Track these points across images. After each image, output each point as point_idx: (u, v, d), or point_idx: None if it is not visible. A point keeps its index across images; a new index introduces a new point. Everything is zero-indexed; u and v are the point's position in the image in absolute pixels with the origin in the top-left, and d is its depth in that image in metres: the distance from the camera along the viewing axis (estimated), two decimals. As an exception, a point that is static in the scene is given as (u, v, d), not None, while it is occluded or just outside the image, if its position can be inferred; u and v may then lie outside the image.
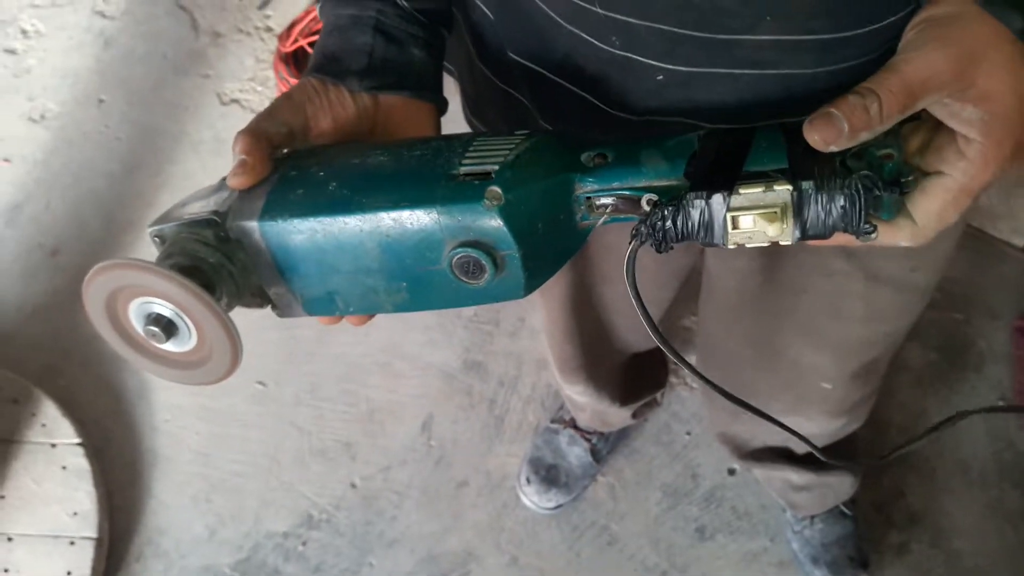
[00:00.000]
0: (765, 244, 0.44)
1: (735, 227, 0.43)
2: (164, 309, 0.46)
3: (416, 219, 0.45)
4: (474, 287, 0.46)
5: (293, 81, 1.81)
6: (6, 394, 1.54)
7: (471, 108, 0.73)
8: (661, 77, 0.51)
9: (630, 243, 0.46)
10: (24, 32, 2.03)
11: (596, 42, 0.52)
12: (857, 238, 0.43)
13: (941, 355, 1.45)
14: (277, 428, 1.56)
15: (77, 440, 1.50)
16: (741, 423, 1.15)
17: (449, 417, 1.53)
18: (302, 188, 0.48)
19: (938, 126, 0.43)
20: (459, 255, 0.45)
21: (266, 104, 1.90)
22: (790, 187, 0.42)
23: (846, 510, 1.29)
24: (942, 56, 0.40)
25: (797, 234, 0.43)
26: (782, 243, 0.44)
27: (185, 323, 0.46)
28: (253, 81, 1.94)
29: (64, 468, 1.48)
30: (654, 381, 1.37)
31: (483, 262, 0.45)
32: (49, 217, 1.79)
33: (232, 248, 0.48)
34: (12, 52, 2.01)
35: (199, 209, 0.48)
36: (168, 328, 0.47)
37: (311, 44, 1.86)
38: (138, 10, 2.08)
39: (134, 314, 0.47)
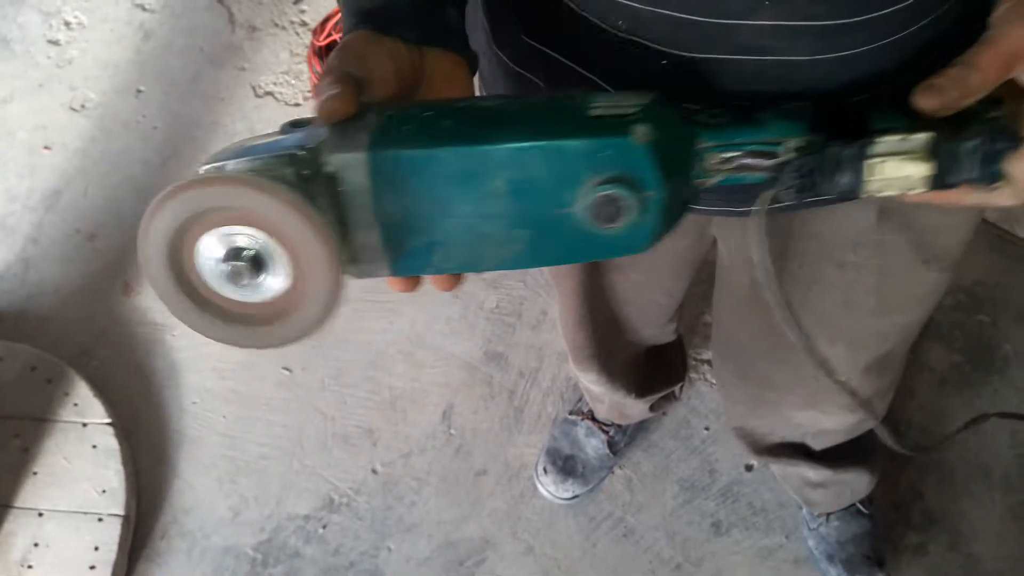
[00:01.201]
0: (897, 193, 0.45)
1: (873, 175, 0.44)
2: (251, 239, 0.41)
3: (559, 152, 0.42)
4: (601, 234, 0.43)
5: (325, 74, 1.84)
6: (41, 374, 1.59)
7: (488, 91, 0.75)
8: (665, 62, 0.52)
9: (765, 192, 0.46)
10: (67, 24, 2.09)
11: (604, 26, 0.53)
12: (986, 185, 0.45)
13: (965, 357, 1.44)
14: (302, 413, 1.59)
15: (108, 420, 1.54)
16: (758, 418, 1.15)
17: (469, 407, 1.55)
18: (410, 124, 0.44)
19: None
20: (603, 193, 0.42)
21: (299, 97, 1.92)
22: (927, 134, 0.43)
23: (863, 508, 1.29)
24: None
25: (932, 181, 0.44)
26: (914, 192, 0.45)
27: (274, 259, 0.41)
28: (287, 74, 1.98)
29: (94, 447, 1.52)
30: (672, 375, 1.38)
31: (627, 202, 0.42)
32: (87, 203, 1.84)
33: (317, 188, 0.42)
34: (56, 43, 2.06)
35: (270, 147, 0.43)
36: (255, 264, 0.41)
37: (344, 38, 1.89)
38: (177, 4, 2.12)
39: (206, 253, 0.42)
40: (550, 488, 1.43)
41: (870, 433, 1.15)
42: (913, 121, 0.44)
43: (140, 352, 1.66)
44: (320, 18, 1.96)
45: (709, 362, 1.47)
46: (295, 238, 0.40)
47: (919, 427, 1.40)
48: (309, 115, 0.47)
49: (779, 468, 1.26)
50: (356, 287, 1.73)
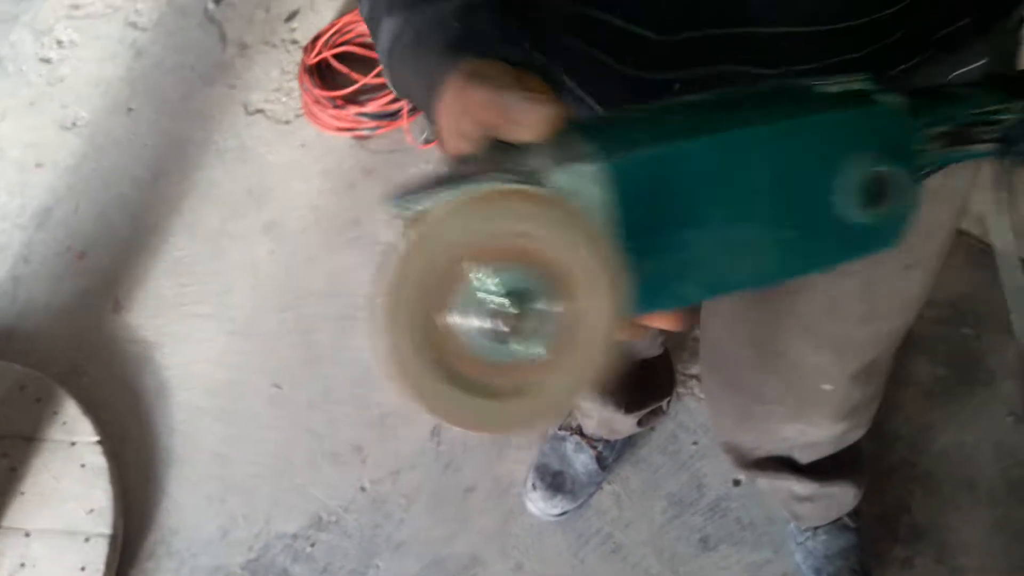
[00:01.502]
0: None
1: None
2: (523, 274, 0.34)
3: (823, 127, 0.38)
4: (863, 224, 0.39)
5: (317, 92, 1.86)
6: (30, 393, 1.59)
7: None
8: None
9: (999, 161, 0.45)
10: (59, 42, 2.10)
11: None
12: None
13: (950, 370, 1.45)
14: (291, 431, 1.59)
15: (96, 439, 1.54)
16: (746, 431, 1.16)
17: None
18: (634, 127, 0.39)
19: None
20: (874, 169, 0.39)
21: (290, 114, 1.92)
22: None
23: (850, 522, 1.29)
24: None
25: None
26: None
27: (548, 297, 0.34)
28: (278, 92, 1.99)
29: (83, 466, 1.52)
30: (660, 389, 1.38)
31: (895, 178, 0.39)
32: (77, 221, 1.84)
33: None
34: (47, 61, 2.07)
35: (474, 176, 0.36)
36: (527, 304, 0.34)
37: (335, 56, 1.91)
38: (170, 22, 2.14)
39: (466, 306, 0.34)
40: (539, 504, 1.43)
41: (856, 446, 1.16)
42: None
43: (130, 370, 1.66)
44: (311, 36, 1.97)
45: (697, 377, 1.47)
46: (590, 269, 0.34)
47: (907, 441, 1.41)
48: (467, 154, 0.41)
49: (766, 482, 1.26)
50: (342, 303, 1.72)
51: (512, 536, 1.45)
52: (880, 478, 1.38)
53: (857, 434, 1.09)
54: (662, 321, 0.41)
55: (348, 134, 1.85)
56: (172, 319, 1.72)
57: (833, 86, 0.41)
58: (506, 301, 0.34)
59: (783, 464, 1.19)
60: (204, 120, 1.97)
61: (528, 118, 0.38)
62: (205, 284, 1.76)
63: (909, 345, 1.47)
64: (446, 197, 0.34)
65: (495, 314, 0.34)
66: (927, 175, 0.45)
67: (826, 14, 0.51)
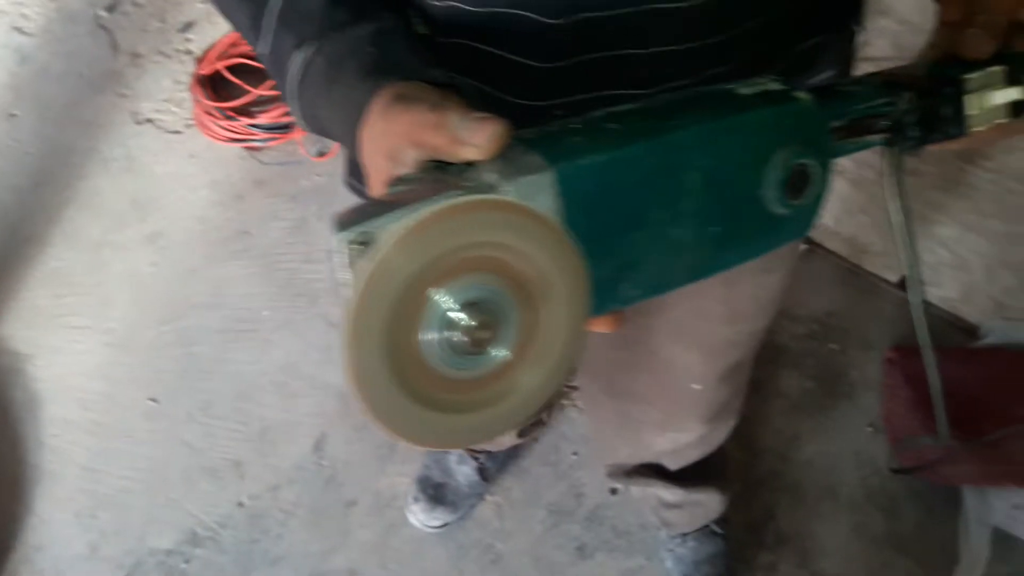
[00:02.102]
0: (991, 126, 0.49)
1: (972, 109, 0.48)
2: (490, 285, 0.34)
3: (752, 125, 0.41)
4: (785, 215, 0.43)
5: (209, 103, 1.83)
6: None
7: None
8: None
9: (890, 149, 0.49)
10: (-62, 45, 2.03)
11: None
12: None
13: (816, 383, 1.51)
14: (167, 445, 1.54)
15: (-43, 453, 1.47)
16: (623, 441, 1.19)
17: (343, 437, 1.54)
18: (574, 137, 0.39)
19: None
20: (797, 163, 0.42)
21: (180, 125, 1.89)
22: (1001, 66, 0.48)
23: (717, 529, 1.33)
24: None
25: (1016, 107, 0.49)
26: (1000, 122, 0.49)
27: (507, 315, 0.35)
28: (169, 102, 1.96)
29: (-59, 481, 1.45)
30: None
31: (814, 169, 0.42)
32: (-52, 228, 1.77)
33: None
34: (-76, 64, 1.99)
35: (422, 195, 0.36)
36: (494, 315, 0.35)
37: (229, 67, 1.89)
38: (59, 28, 2.08)
39: (434, 322, 0.34)
40: (419, 517, 1.43)
41: (721, 455, 1.20)
42: (965, 68, 0.48)
43: (-3, 383, 1.60)
44: (205, 47, 1.95)
45: (577, 387, 1.50)
46: (554, 282, 0.35)
47: (775, 451, 1.46)
48: (405, 170, 0.41)
49: (638, 490, 1.29)
50: (226, 316, 1.69)
51: (392, 549, 1.44)
52: (749, 487, 1.42)
53: (720, 434, 1.13)
54: (599, 324, 0.41)
55: (239, 145, 1.83)
56: (47, 330, 1.66)
57: (748, 87, 0.43)
58: (466, 315, 0.35)
59: (653, 471, 1.22)
60: (91, 128, 1.92)
61: (475, 137, 0.38)
62: (83, 295, 1.71)
63: (779, 358, 1.53)
64: (403, 219, 0.34)
65: (461, 329, 0.35)
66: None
67: (692, 32, 0.55)
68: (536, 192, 0.37)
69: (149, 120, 1.93)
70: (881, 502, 1.41)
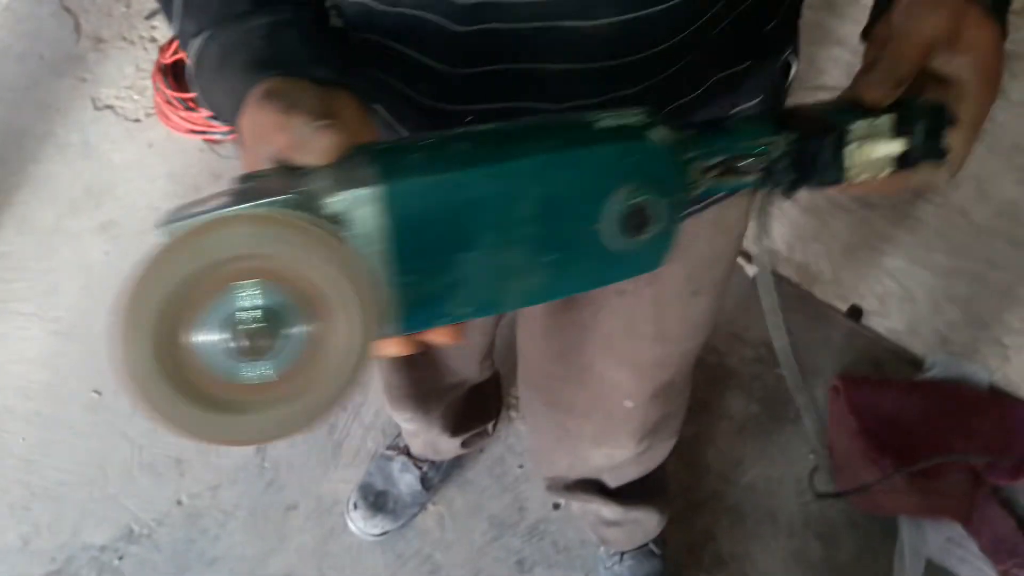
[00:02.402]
0: (874, 177, 0.48)
1: (852, 160, 0.47)
2: (268, 294, 0.35)
3: (589, 160, 0.41)
4: (625, 251, 0.42)
5: (170, 92, 1.81)
6: None
7: None
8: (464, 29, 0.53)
9: (757, 192, 0.48)
10: None
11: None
12: (938, 160, 0.48)
13: (762, 407, 1.52)
14: (108, 439, 1.52)
15: None
16: (562, 453, 1.19)
17: (286, 440, 1.52)
18: (417, 153, 0.40)
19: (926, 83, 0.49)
20: (635, 201, 0.41)
21: (141, 113, 1.86)
22: (890, 115, 0.47)
23: (655, 549, 1.33)
24: (939, 16, 0.47)
25: (901, 160, 0.47)
26: (883, 176, 0.48)
27: (290, 321, 0.35)
28: (131, 89, 1.93)
29: None
30: (485, 412, 1.40)
31: (655, 207, 0.42)
32: None
33: None
34: None
35: (255, 195, 0.37)
36: (272, 324, 0.35)
37: (193, 58, 1.86)
38: (20, 8, 2.05)
39: (206, 322, 0.35)
40: (359, 524, 1.42)
41: (660, 475, 1.20)
42: (860, 114, 0.47)
43: (-65, 367, 1.56)
44: (170, 35, 1.93)
45: (518, 397, 1.50)
46: (337, 291, 0.35)
47: (718, 473, 1.47)
48: (266, 167, 0.41)
49: (578, 506, 1.29)
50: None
51: (330, 555, 1.43)
52: (690, 508, 1.43)
53: (659, 454, 1.13)
54: (436, 336, 0.42)
55: (199, 137, 1.81)
56: (-10, 316, 1.62)
57: (610, 119, 0.43)
58: (242, 321, 0.35)
59: (593, 487, 1.22)
60: (48, 112, 1.89)
61: (312, 144, 0.39)
62: (31, 281, 1.67)
63: (727, 380, 1.54)
64: (188, 223, 0.35)
65: (235, 332, 0.35)
66: (703, 204, 0.49)
67: (604, 52, 0.54)
68: (362, 205, 0.37)
69: (109, 107, 1.90)
70: (820, 529, 1.42)
